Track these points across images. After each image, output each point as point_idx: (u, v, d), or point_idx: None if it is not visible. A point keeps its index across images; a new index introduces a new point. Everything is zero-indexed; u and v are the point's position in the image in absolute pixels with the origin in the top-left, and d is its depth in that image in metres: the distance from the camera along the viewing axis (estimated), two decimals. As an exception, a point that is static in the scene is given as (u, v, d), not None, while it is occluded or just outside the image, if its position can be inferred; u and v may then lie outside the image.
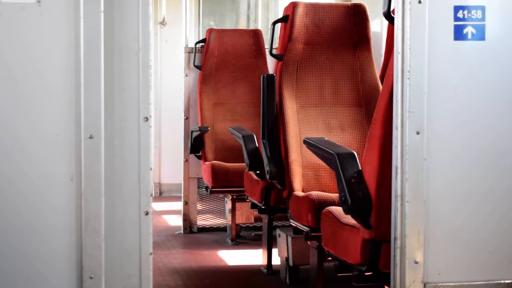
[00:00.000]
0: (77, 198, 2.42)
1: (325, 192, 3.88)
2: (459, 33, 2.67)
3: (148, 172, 2.48)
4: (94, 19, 2.39)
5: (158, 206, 7.64)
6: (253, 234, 6.06)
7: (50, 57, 2.40)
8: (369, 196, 2.89)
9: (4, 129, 2.39)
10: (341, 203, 2.98)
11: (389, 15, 2.76)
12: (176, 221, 6.66)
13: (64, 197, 2.41)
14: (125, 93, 2.45)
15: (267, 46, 6.37)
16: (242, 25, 8.84)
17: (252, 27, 8.65)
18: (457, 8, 2.66)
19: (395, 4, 2.67)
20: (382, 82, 4.36)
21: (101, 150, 2.42)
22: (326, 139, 3.38)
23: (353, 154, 3.02)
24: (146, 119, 2.47)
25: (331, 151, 3.06)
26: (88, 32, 2.39)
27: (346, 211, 2.94)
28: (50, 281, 2.43)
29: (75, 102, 2.40)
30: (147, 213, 2.46)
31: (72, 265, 2.43)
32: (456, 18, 2.66)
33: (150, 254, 2.45)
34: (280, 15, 4.54)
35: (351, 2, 4.49)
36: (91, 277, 2.42)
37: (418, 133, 2.64)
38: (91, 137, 2.41)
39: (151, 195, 2.49)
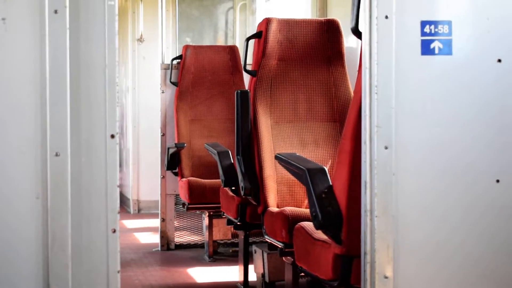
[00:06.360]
0: (43, 217, 2.39)
1: (299, 207, 3.88)
2: (426, 48, 2.68)
3: (115, 189, 2.46)
4: (59, 36, 2.38)
5: (136, 223, 7.59)
6: (230, 251, 6.03)
7: (15, 74, 2.38)
8: (339, 211, 2.89)
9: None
10: (312, 218, 2.97)
11: (357, 30, 2.77)
12: (154, 238, 6.62)
13: (30, 216, 2.39)
14: (91, 110, 2.44)
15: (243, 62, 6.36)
16: (220, 41, 8.85)
17: (230, 43, 8.65)
18: (424, 23, 2.67)
19: (363, 20, 2.68)
20: (356, 97, 4.37)
21: (68, 168, 2.40)
22: (297, 154, 3.38)
23: (324, 169, 3.01)
24: (113, 136, 2.45)
25: (301, 167, 3.06)
26: (53, 49, 2.37)
27: (317, 227, 2.93)
28: (16, 300, 2.40)
29: (41, 120, 2.38)
30: (114, 231, 2.44)
31: (39, 285, 2.40)
32: (423, 33, 2.67)
33: (118, 272, 2.43)
34: (257, 32, 4.53)
35: (325, 18, 4.50)
36: (58, 297, 2.39)
37: (386, 147, 2.64)
38: (57, 155, 2.38)
39: (118, 212, 2.46)
